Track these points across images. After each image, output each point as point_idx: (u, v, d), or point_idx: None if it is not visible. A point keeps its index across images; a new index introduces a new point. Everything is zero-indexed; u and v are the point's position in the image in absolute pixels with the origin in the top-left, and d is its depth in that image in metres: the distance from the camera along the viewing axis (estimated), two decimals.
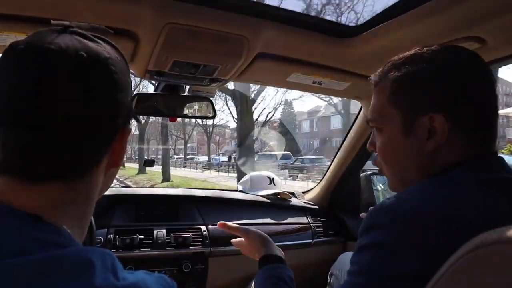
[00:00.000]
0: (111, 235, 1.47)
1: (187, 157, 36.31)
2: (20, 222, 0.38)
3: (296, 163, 21.45)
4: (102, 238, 1.45)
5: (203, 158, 34.38)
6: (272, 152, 24.60)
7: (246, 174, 2.19)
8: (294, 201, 2.01)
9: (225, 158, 28.19)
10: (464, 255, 0.43)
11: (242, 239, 1.06)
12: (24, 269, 0.34)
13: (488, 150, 0.65)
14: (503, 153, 10.73)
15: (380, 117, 0.71)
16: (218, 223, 1.09)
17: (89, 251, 0.38)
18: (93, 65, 0.43)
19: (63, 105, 0.40)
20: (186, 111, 1.48)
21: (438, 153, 0.64)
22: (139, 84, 18.51)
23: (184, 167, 29.18)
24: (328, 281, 1.56)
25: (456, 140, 0.63)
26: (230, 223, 1.08)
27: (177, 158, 35.37)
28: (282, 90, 22.97)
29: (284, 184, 2.19)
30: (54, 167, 0.42)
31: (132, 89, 0.55)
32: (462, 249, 0.44)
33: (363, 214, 1.83)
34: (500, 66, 1.08)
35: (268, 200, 1.92)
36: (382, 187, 2.00)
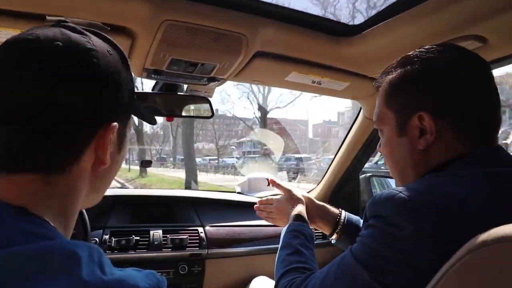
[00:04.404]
0: (107, 236, 1.45)
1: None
2: (4, 213, 0.37)
3: None
4: (97, 239, 1.43)
5: None
6: None
7: None
8: None
9: None
10: (469, 252, 0.42)
11: (274, 199, 1.15)
12: (8, 260, 0.33)
13: (485, 147, 0.64)
14: None
15: (379, 119, 0.75)
16: (270, 179, 1.24)
17: (75, 244, 0.37)
18: (69, 55, 0.42)
19: (34, 94, 0.39)
20: (184, 111, 1.46)
21: (430, 152, 0.66)
22: None
23: None
24: None
25: (448, 138, 0.64)
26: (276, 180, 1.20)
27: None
28: None
29: None
30: (26, 159, 0.41)
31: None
32: (466, 246, 0.43)
33: None
34: (502, 66, 1.06)
35: None
36: (382, 189, 1.99)
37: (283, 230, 0.97)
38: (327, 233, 1.09)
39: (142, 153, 21.90)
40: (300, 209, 1.04)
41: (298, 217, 1.00)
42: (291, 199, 1.09)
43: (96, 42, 0.45)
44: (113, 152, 0.49)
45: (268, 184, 2.03)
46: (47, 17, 0.89)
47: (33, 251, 0.34)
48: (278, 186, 1.17)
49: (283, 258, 0.87)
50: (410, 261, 0.54)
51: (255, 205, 1.21)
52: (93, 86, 0.43)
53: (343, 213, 1.09)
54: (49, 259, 0.35)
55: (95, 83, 0.43)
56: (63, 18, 0.91)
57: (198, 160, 29.97)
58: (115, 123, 0.47)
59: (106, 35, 0.49)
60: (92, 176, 0.48)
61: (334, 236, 1.07)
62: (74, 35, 0.43)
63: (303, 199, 1.09)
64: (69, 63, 0.41)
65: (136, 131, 20.25)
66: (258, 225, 1.76)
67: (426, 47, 0.69)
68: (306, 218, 1.01)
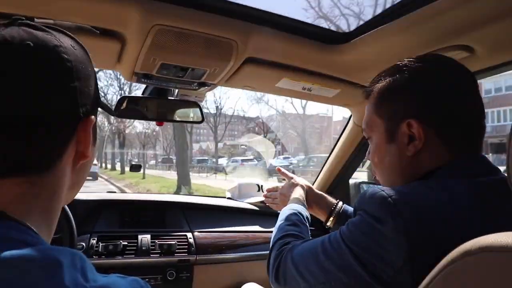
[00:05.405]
0: (94, 241, 1.43)
1: None
2: None
3: None
4: (84, 244, 1.41)
5: None
6: None
7: None
8: None
9: None
10: (451, 262, 0.43)
11: (279, 186, 1.26)
12: None
13: (470, 155, 0.67)
14: None
15: (368, 127, 0.78)
16: (277, 167, 1.32)
17: (57, 250, 0.36)
18: (41, 54, 0.41)
19: (13, 98, 0.39)
20: (174, 116, 1.46)
21: (419, 158, 0.68)
22: None
23: None
24: None
25: (435, 145, 0.66)
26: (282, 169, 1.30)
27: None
28: None
29: None
30: (11, 162, 0.40)
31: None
32: (448, 256, 0.43)
33: None
34: (489, 75, 1.08)
35: (256, 208, 1.90)
36: None
37: (283, 208, 1.06)
38: (322, 219, 1.16)
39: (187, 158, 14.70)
40: (300, 193, 1.14)
41: (297, 200, 1.09)
42: (293, 184, 1.18)
43: (61, 38, 0.45)
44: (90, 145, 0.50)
45: (258, 190, 2.04)
46: (36, 20, 0.89)
47: (12, 258, 0.33)
48: (283, 173, 1.28)
49: (282, 226, 0.94)
50: (383, 255, 0.57)
51: (264, 193, 1.33)
52: (68, 82, 0.43)
53: (340, 203, 1.15)
54: (29, 266, 0.34)
55: (69, 79, 0.43)
56: (52, 21, 0.91)
57: (223, 161, 26.58)
58: (92, 116, 0.48)
59: (64, 30, 0.48)
60: (72, 171, 0.48)
61: (329, 223, 1.13)
62: (40, 33, 0.43)
63: (304, 185, 1.18)
64: (41, 63, 0.41)
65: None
66: (247, 231, 1.75)
67: (415, 57, 0.72)
68: (305, 202, 1.10)
